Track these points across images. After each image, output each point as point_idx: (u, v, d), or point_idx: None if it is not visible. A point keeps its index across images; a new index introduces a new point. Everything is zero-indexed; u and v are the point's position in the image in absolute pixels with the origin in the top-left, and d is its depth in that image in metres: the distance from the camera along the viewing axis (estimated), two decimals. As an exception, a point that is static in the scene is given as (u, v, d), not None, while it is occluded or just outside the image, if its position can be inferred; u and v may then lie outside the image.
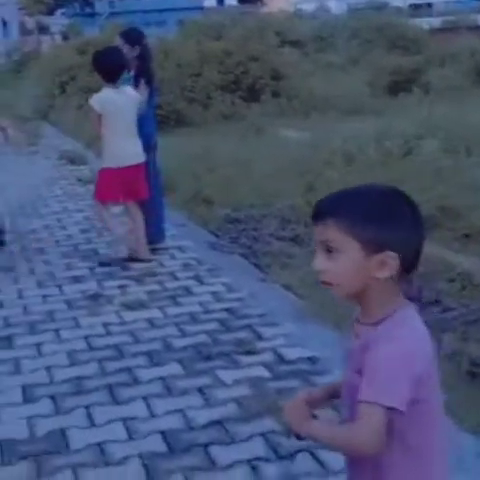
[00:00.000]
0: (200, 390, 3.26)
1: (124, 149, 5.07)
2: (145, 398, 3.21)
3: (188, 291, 4.59)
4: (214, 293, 4.51)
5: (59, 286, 4.79)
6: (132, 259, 5.19)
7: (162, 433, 2.91)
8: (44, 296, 4.60)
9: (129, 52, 5.27)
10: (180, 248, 5.52)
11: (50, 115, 14.44)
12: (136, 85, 5.25)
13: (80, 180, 8.25)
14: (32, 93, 15.76)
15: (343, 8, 32.19)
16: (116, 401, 3.20)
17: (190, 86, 14.13)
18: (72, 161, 9.45)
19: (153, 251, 5.40)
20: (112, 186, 5.11)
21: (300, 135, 11.28)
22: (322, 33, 25.40)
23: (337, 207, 1.42)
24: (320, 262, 1.42)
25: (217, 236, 5.90)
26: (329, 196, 1.46)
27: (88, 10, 63.82)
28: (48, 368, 3.56)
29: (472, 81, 17.00)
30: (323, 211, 1.43)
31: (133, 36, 5.39)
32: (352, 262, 1.40)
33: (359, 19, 25.72)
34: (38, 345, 3.85)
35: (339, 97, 14.83)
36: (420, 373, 1.39)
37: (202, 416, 3.02)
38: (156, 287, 4.68)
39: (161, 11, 63.98)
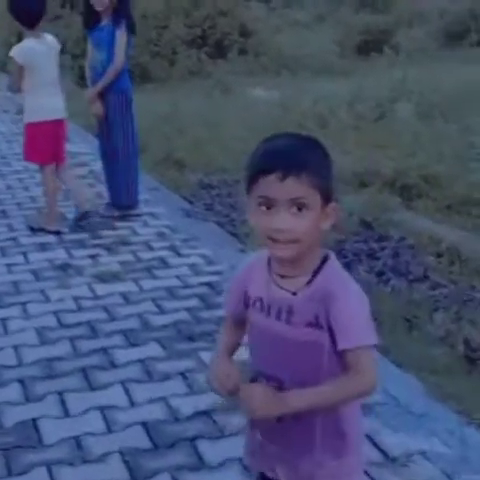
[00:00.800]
0: (183, 375, 3.03)
1: (50, 102, 4.73)
2: (123, 383, 2.96)
3: (164, 263, 4.32)
4: (192, 265, 4.26)
5: (24, 254, 4.48)
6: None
7: (144, 425, 2.67)
8: (8, 265, 4.29)
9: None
10: (153, 215, 5.24)
11: (8, 66, 13.80)
12: (114, 33, 4.88)
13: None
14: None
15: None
16: (91, 387, 2.95)
17: (155, 39, 13.65)
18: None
19: (126, 217, 5.12)
20: (43, 143, 4.76)
21: (269, 94, 10.97)
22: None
23: (308, 163, 1.35)
24: (287, 221, 1.34)
25: (191, 203, 5.63)
26: (290, 151, 1.36)
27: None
28: (15, 347, 3.28)
29: (441, 43, 16.82)
30: (297, 167, 1.33)
31: None
32: (315, 217, 1.37)
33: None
34: (3, 320, 3.55)
35: (308, 56, 14.52)
36: None
37: (187, 405, 2.79)
38: (130, 257, 4.41)
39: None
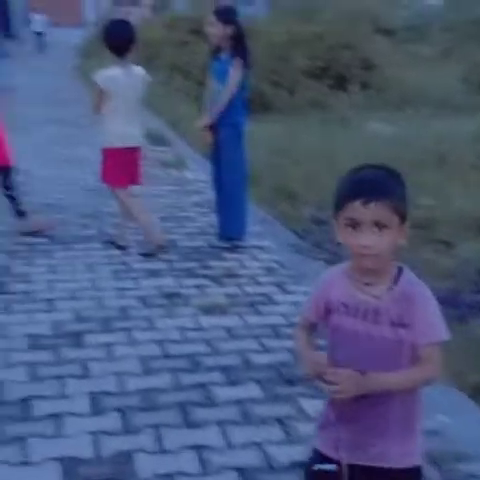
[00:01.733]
0: (280, 421, 2.95)
1: (124, 129, 4.86)
2: (220, 423, 2.93)
3: (269, 299, 4.28)
4: (297, 303, 4.18)
5: (135, 279, 4.56)
6: (111, 242, 5.11)
7: (238, 470, 2.62)
8: (118, 289, 4.37)
9: (222, 31, 4.95)
10: (262, 248, 5.22)
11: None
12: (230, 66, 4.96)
13: (162, 163, 8.01)
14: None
15: (440, -2, 30.93)
16: (188, 423, 2.93)
17: (277, 70, 13.78)
18: (154, 141, 9.21)
19: (235, 249, 5.13)
20: (117, 168, 4.93)
21: (389, 129, 10.79)
22: (415, 23, 24.49)
23: (388, 189, 1.64)
24: (370, 239, 1.63)
25: (301, 238, 5.57)
26: (372, 180, 1.66)
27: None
28: (118, 374, 3.32)
29: None
30: (378, 193, 1.62)
31: (226, 14, 5.04)
32: (394, 235, 1.66)
33: (455, 11, 24.70)
34: (109, 346, 3.61)
35: (431, 91, 14.21)
36: None
37: (283, 454, 2.71)
38: (236, 290, 4.39)
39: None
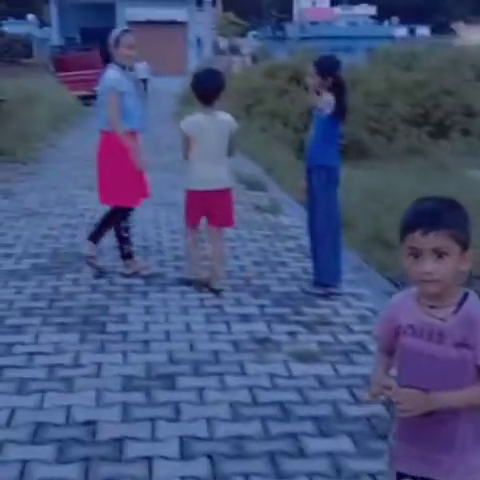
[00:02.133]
0: (373, 476, 2.86)
1: (206, 173, 4.97)
2: (310, 476, 2.86)
3: (363, 348, 4.19)
4: (392, 355, 4.07)
5: (227, 323, 4.57)
6: (205, 285, 5.16)
7: (328, 525, 2.54)
8: (211, 333, 4.40)
9: (320, 83, 4.99)
10: (356, 296, 5.14)
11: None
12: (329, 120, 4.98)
13: (257, 207, 8.08)
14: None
15: None
16: (278, 474, 2.88)
17: (375, 117, 13.74)
18: (250, 186, 9.32)
19: (328, 296, 5.08)
20: (191, 209, 5.13)
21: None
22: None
23: (447, 220, 1.75)
24: (431, 266, 1.75)
25: (396, 286, 5.45)
26: (431, 211, 1.77)
27: (279, 34, 65.38)
28: (209, 419, 3.31)
29: None
30: (437, 224, 1.74)
31: (325, 66, 5.03)
32: (455, 262, 1.77)
33: None
34: (201, 390, 3.61)
35: None
36: None
37: (375, 511, 2.62)
38: (329, 338, 4.33)
39: (351, 38, 64.23)
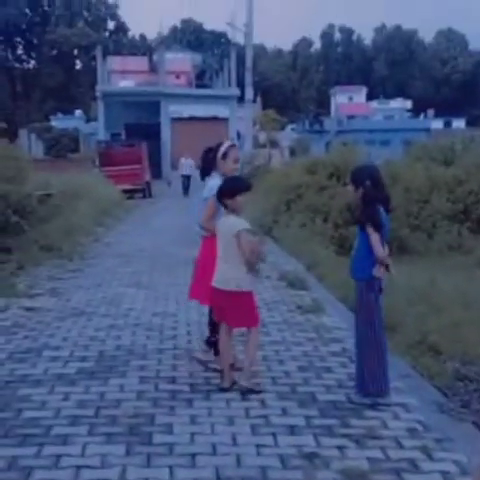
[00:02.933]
0: None
1: (217, 272, 5.34)
2: None
3: (414, 466, 4.08)
4: (445, 474, 3.96)
5: (274, 435, 4.51)
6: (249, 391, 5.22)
7: None
8: (257, 446, 4.33)
9: (355, 195, 5.09)
10: (404, 406, 5.04)
11: (274, 231, 14.70)
12: (362, 231, 5.05)
13: (299, 307, 8.07)
14: (259, 207, 16.17)
15: None
16: None
17: (416, 213, 13.81)
18: (292, 284, 9.36)
19: (376, 406, 4.99)
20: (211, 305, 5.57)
21: None
22: None
23: None
24: None
25: (445, 395, 5.35)
26: None
27: (316, 127, 66.77)
28: None
29: None
30: None
31: (356, 177, 5.16)
32: None
33: None
34: (249, 509, 3.55)
35: None
36: None
37: None
38: (378, 454, 4.23)
39: (387, 131, 65.25)
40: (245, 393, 5.17)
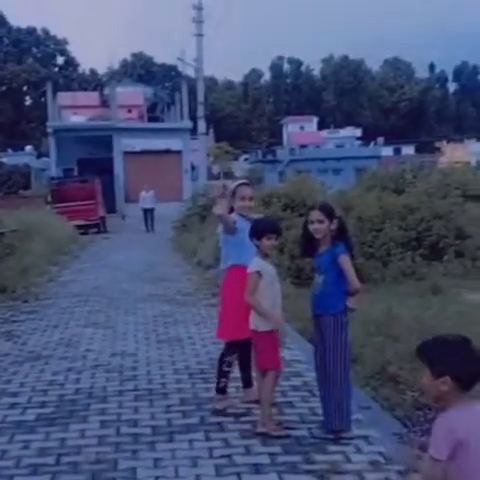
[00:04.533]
0: None
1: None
2: None
3: (378, 500, 4.11)
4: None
5: (238, 475, 4.49)
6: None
7: None
8: (222, 488, 4.32)
9: (329, 226, 5.15)
10: (366, 438, 5.08)
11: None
12: (335, 257, 5.12)
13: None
14: (215, 240, 16.20)
15: None
16: None
17: (370, 241, 14.00)
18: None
19: (338, 441, 5.02)
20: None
21: (488, 300, 10.60)
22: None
23: None
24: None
25: (406, 426, 5.41)
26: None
27: (269, 157, 67.43)
28: None
29: None
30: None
31: (331, 210, 5.27)
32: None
33: None
34: None
35: None
36: None
37: None
38: (342, 490, 4.26)
39: (338, 159, 66.27)
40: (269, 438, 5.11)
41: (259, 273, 5.16)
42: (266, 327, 5.21)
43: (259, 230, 5.26)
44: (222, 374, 5.75)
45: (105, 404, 5.94)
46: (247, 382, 6.00)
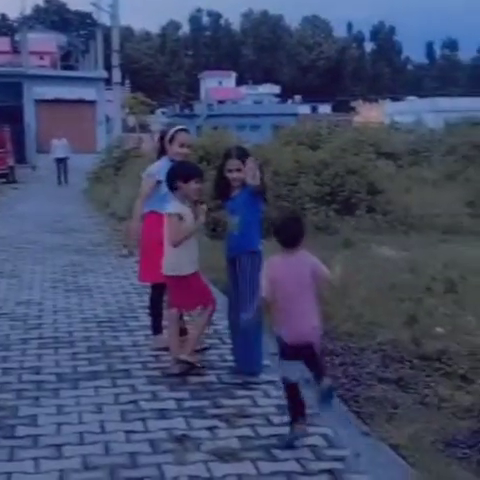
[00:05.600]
0: None
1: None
2: None
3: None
4: (313, 447, 4.04)
5: (143, 420, 4.42)
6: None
7: None
8: (127, 432, 4.23)
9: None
10: (274, 384, 5.09)
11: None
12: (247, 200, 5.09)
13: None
14: (129, 192, 15.89)
15: (440, 123, 32.09)
16: None
17: (285, 195, 14.05)
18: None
19: (246, 385, 5.02)
20: None
21: (396, 254, 10.86)
22: (417, 147, 25.23)
23: None
24: None
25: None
26: None
27: (187, 111, 66.76)
28: None
29: None
30: None
31: (246, 154, 5.18)
32: None
33: (456, 135, 25.52)
34: (118, 498, 3.45)
35: (436, 215, 14.43)
36: None
37: None
38: (249, 432, 4.24)
39: (256, 116, 66.22)
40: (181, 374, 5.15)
41: (180, 216, 5.06)
42: (190, 269, 5.20)
43: (186, 173, 5.15)
44: (157, 316, 5.88)
45: (7, 352, 5.73)
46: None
